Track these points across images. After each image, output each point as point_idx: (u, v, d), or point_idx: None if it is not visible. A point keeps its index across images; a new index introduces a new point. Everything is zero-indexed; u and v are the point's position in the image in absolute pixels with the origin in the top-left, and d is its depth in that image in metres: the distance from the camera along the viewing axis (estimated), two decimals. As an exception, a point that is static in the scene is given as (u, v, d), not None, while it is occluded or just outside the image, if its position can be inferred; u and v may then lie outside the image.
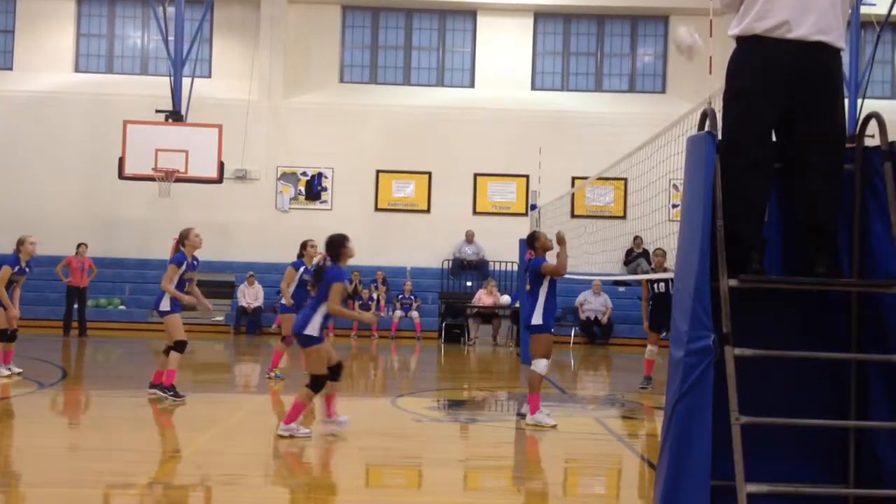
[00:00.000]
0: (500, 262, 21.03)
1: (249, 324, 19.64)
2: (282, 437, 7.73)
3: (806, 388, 4.28)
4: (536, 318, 9.02)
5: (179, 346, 9.85)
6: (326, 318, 7.93)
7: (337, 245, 8.02)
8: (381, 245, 20.95)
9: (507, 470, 7.51)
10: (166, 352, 9.91)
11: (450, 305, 20.32)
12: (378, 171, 21.80)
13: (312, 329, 7.83)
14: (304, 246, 11.98)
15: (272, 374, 12.01)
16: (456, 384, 13.09)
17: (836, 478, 4.16)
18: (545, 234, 9.59)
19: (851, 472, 4.14)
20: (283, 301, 11.88)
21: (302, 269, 11.65)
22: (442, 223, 21.46)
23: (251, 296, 19.84)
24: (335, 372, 8.16)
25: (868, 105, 16.44)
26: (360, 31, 22.76)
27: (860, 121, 4.43)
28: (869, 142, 4.39)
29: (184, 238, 10.00)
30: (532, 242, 9.42)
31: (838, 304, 4.32)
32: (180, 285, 9.90)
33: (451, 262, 21.36)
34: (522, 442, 8.52)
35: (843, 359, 4.18)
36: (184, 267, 9.85)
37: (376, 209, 21.82)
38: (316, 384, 7.89)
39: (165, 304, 9.89)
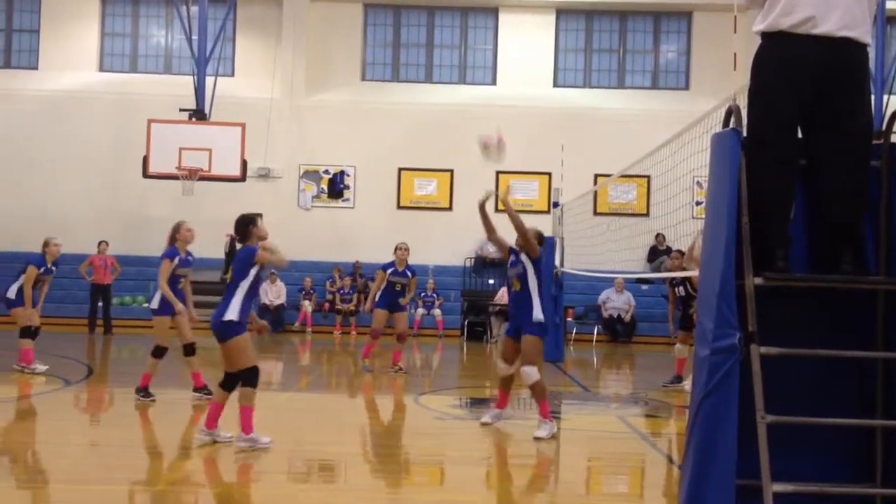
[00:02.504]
0: (524, 259, 21.03)
1: (273, 321, 19.72)
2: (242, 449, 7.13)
3: (832, 386, 4.24)
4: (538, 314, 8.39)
5: (157, 352, 9.61)
6: (248, 302, 7.30)
7: (245, 224, 7.54)
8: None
9: (529, 468, 7.49)
10: (154, 353, 9.60)
11: (472, 303, 20.31)
12: (400, 169, 21.82)
13: (232, 314, 7.18)
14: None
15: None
16: (478, 382, 13.08)
17: (863, 477, 4.13)
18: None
19: (879, 472, 4.10)
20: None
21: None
22: (464, 221, 21.40)
23: (273, 294, 19.92)
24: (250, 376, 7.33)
25: (895, 101, 16.30)
26: (383, 29, 22.78)
27: (887, 117, 4.39)
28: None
29: (175, 232, 9.75)
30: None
31: (865, 302, 4.28)
32: (174, 282, 9.64)
33: (473, 260, 21.34)
34: (545, 440, 8.49)
35: (870, 357, 4.14)
36: (176, 261, 9.58)
37: (398, 207, 21.84)
38: (252, 377, 7.25)
39: (155, 303, 9.68)
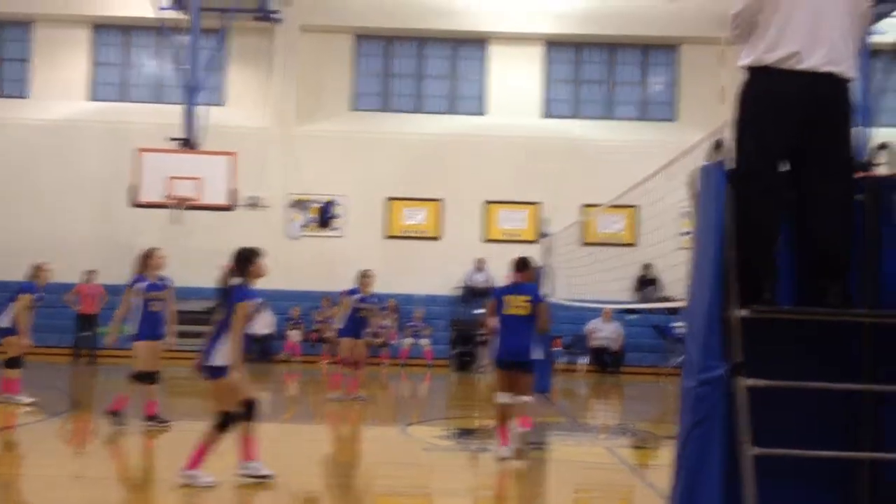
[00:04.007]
0: (511, 289, 21.00)
1: (260, 352, 19.63)
2: (184, 484, 6.84)
3: (819, 417, 4.25)
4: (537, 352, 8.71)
5: (139, 377, 9.68)
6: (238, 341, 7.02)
7: (245, 259, 7.14)
8: (392, 272, 20.96)
9: (515, 500, 7.46)
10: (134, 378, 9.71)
11: (460, 333, 20.27)
12: (389, 199, 21.86)
13: (222, 359, 6.94)
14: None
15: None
16: (466, 413, 13.04)
17: (850, 509, 4.13)
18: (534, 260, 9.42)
19: (866, 502, 4.10)
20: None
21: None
22: (452, 250, 21.47)
23: (262, 324, 19.84)
24: (248, 410, 7.19)
25: (879, 134, 16.44)
26: (373, 60, 22.91)
27: (871, 150, 4.43)
28: (881, 171, 4.39)
29: (147, 258, 9.83)
30: (524, 267, 8.92)
31: (851, 334, 4.30)
32: (145, 306, 9.69)
33: (461, 290, 21.33)
34: (532, 471, 8.46)
35: (856, 389, 4.15)
36: (144, 287, 9.64)
37: (387, 236, 21.86)
38: (226, 422, 6.99)
39: (133, 329, 9.78)
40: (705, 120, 18.26)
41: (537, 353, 8.81)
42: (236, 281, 7.10)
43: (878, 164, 4.38)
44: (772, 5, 4.23)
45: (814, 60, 4.21)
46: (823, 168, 4.27)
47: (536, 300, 8.71)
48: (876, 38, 17.62)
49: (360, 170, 21.68)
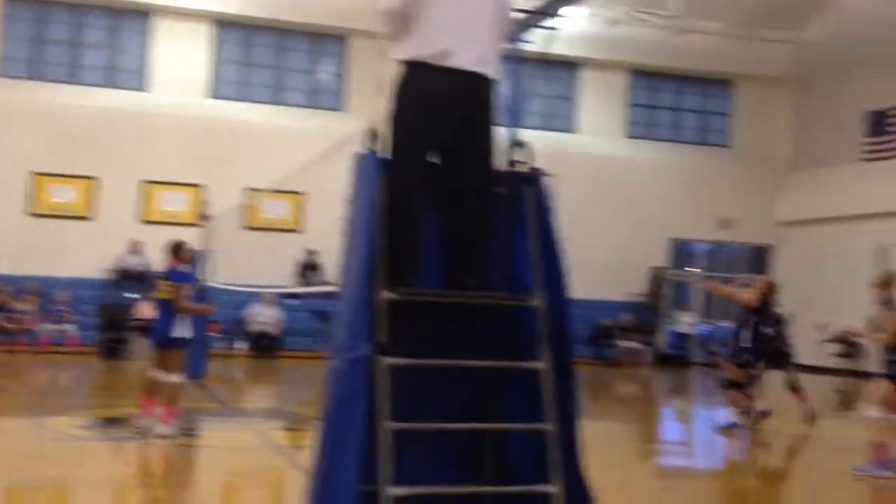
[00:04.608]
0: (169, 273, 20.24)
1: None
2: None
3: (455, 393, 4.52)
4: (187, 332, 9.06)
5: None
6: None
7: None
8: (35, 253, 19.44)
9: (163, 489, 7.22)
10: None
11: (110, 318, 19.18)
12: (35, 174, 20.19)
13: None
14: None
15: None
16: (112, 401, 12.40)
17: (476, 478, 4.43)
18: (188, 245, 9.73)
19: (489, 472, 4.43)
20: None
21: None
22: (106, 231, 20.28)
23: None
24: None
25: (521, 134, 17.81)
26: (23, 24, 21.04)
27: (510, 148, 4.77)
28: (518, 167, 4.73)
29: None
30: (176, 251, 9.38)
31: (486, 316, 4.61)
32: None
33: (114, 273, 20.24)
34: (181, 459, 8.25)
35: (486, 366, 4.47)
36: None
37: (31, 214, 20.19)
38: None
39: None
40: (371, 111, 18.76)
41: (180, 332, 9.04)
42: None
43: (515, 162, 4.71)
44: (425, 3, 4.40)
45: (463, 59, 4.43)
46: (467, 161, 4.52)
47: (177, 281, 9.13)
48: (525, 46, 19.09)
49: (1, 140, 19.82)
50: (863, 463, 8.16)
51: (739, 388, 11.53)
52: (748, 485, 8.77)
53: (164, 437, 8.63)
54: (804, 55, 25.32)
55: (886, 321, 8.24)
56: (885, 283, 8.54)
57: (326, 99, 23.07)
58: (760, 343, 11.38)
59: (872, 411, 8.30)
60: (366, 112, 20.12)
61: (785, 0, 23.55)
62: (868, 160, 22.41)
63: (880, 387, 8.43)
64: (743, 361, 11.46)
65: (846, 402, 16.28)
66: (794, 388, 11.80)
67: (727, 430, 11.30)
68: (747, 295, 11.36)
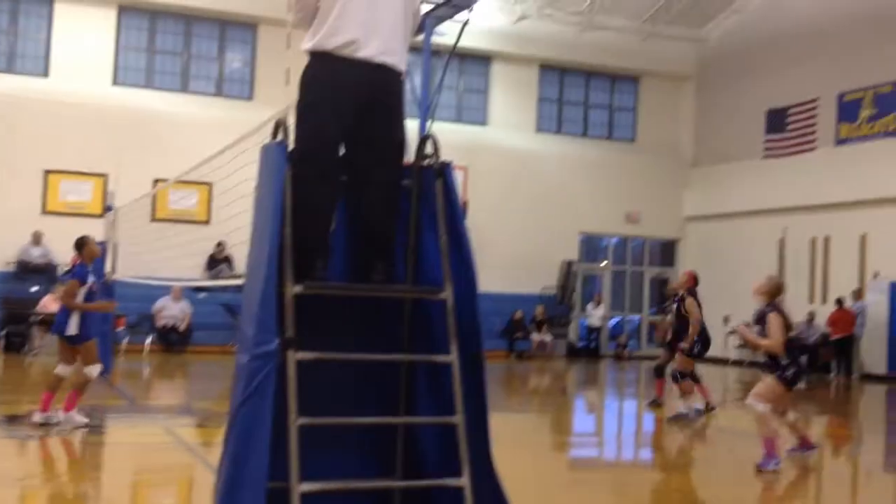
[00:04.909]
0: (72, 265, 19.65)
1: None
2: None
3: (365, 387, 4.51)
4: (73, 329, 8.97)
5: None
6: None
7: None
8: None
9: (70, 485, 7.04)
10: None
11: (11, 312, 18.57)
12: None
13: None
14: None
15: None
16: (13, 397, 12.02)
17: (387, 472, 4.43)
18: (94, 240, 9.62)
19: (399, 466, 4.44)
20: None
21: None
22: (6, 222, 19.61)
23: None
24: None
25: (435, 127, 17.86)
26: None
27: (418, 141, 4.78)
28: (426, 160, 4.73)
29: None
30: (81, 247, 9.35)
31: (394, 309, 4.61)
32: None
33: (14, 265, 19.58)
34: (88, 456, 8.05)
35: (395, 360, 4.47)
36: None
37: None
38: None
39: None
40: (281, 100, 18.52)
41: (73, 329, 9.03)
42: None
43: (424, 154, 4.71)
44: (332, -6, 4.37)
45: (370, 50, 4.41)
46: (375, 153, 4.50)
47: (71, 277, 9.26)
48: (437, 39, 19.11)
49: None
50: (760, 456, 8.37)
51: (694, 378, 11.93)
52: (659, 476, 8.96)
53: (77, 427, 8.78)
54: (706, 53, 26.01)
55: (771, 326, 8.29)
56: (770, 290, 8.55)
57: (234, 87, 22.72)
58: (705, 333, 11.75)
59: (759, 405, 8.31)
60: (274, 101, 19.83)
61: (688, -1, 24.13)
62: (769, 157, 23.12)
63: (765, 382, 8.49)
64: (697, 352, 11.73)
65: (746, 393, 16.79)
66: (697, 379, 12.15)
67: (679, 420, 11.51)
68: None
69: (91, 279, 9.24)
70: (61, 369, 9.09)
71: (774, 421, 8.47)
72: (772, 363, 8.47)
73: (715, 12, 25.16)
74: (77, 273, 9.24)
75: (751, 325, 8.97)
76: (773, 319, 8.31)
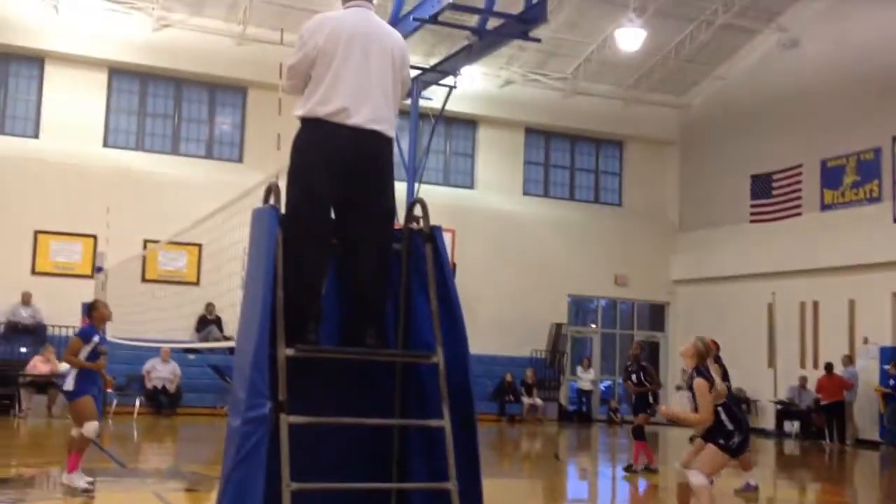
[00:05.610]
0: (61, 326, 19.53)
1: None
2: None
3: (357, 451, 4.53)
4: (70, 384, 9.15)
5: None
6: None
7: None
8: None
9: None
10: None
11: (0, 373, 18.41)
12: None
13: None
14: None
15: None
16: (2, 460, 11.87)
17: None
18: (105, 304, 9.56)
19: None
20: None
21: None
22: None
23: None
24: None
25: (423, 190, 18.01)
26: None
27: (408, 205, 4.86)
28: (415, 224, 4.82)
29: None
30: (90, 311, 9.41)
31: (386, 373, 4.65)
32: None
33: (3, 326, 19.49)
34: None
35: (388, 424, 4.49)
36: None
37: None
38: None
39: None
40: (270, 164, 18.65)
41: (67, 384, 9.27)
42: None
43: (413, 218, 4.79)
44: (324, 62, 4.48)
45: (360, 118, 4.51)
46: (366, 217, 4.58)
47: (76, 335, 9.50)
48: (424, 103, 19.39)
49: None
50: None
51: (640, 437, 12.61)
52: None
53: (85, 491, 8.87)
54: (689, 119, 26.38)
55: (698, 395, 7.38)
56: (696, 353, 7.56)
57: (224, 150, 22.90)
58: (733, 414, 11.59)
59: (697, 477, 7.40)
60: (263, 164, 19.99)
61: (670, 66, 24.53)
62: (754, 221, 23.22)
63: (708, 451, 7.58)
64: (736, 446, 10.45)
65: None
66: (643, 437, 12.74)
67: (746, 493, 10.89)
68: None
69: (96, 338, 9.26)
70: (75, 431, 9.21)
71: (711, 495, 7.48)
72: (715, 430, 7.51)
73: (697, 79, 25.59)
74: (82, 331, 9.37)
75: (682, 387, 8.83)
76: (699, 387, 7.36)
